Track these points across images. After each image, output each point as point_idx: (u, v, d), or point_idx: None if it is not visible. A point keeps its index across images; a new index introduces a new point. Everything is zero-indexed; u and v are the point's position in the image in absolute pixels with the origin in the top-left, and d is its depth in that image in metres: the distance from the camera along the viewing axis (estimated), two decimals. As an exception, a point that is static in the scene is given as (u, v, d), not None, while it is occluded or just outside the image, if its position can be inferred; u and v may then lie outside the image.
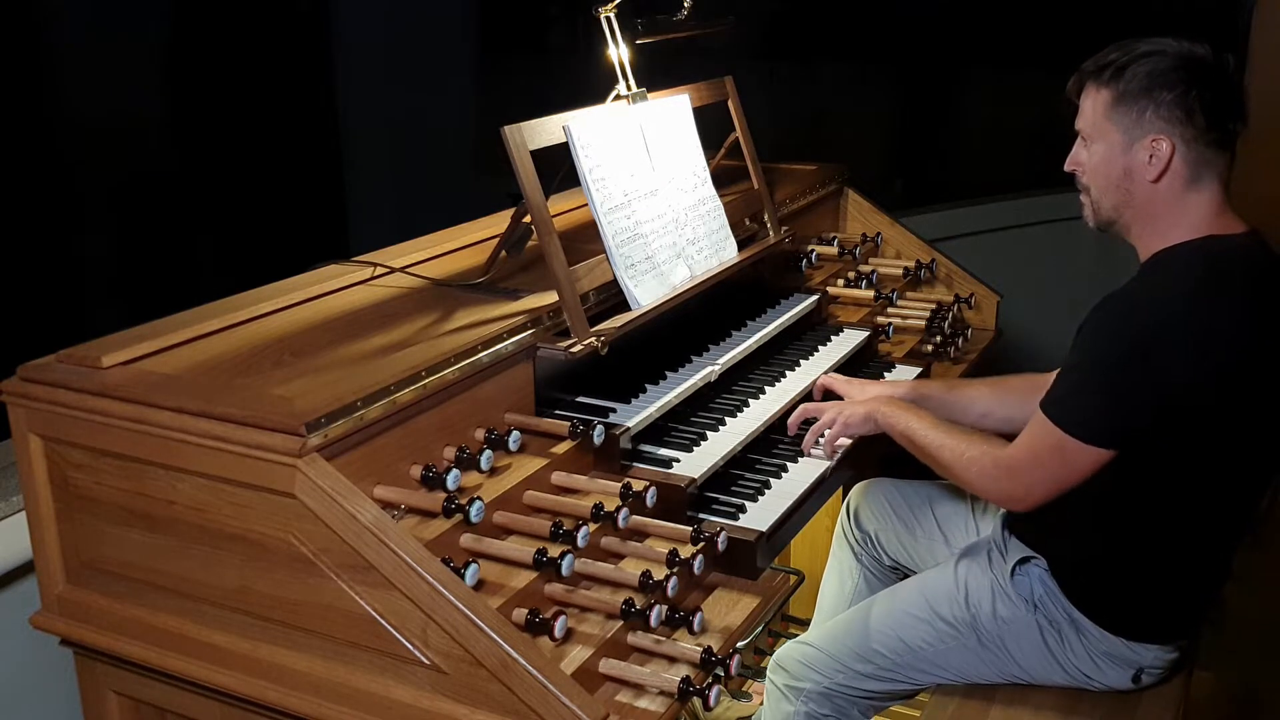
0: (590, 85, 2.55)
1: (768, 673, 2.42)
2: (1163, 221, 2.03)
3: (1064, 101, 2.14)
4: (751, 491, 2.18)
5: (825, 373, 2.64)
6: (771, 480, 2.24)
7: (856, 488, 2.69)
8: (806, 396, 2.57)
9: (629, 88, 2.53)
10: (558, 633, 1.68)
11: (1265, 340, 1.97)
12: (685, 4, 2.80)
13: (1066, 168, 2.15)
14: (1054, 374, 2.09)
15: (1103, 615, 2.13)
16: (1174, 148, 1.98)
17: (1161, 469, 2.01)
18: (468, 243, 2.59)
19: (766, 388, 2.56)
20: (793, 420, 2.40)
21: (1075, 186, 2.15)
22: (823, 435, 2.36)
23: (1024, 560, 2.18)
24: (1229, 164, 2.03)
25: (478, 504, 1.76)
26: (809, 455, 2.36)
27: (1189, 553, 2.11)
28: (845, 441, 2.36)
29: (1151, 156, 1.99)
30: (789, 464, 2.31)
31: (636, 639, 1.77)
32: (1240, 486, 2.08)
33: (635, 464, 2.17)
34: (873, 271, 3.25)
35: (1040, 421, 2.01)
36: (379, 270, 2.36)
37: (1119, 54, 2.04)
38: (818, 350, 2.82)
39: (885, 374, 2.84)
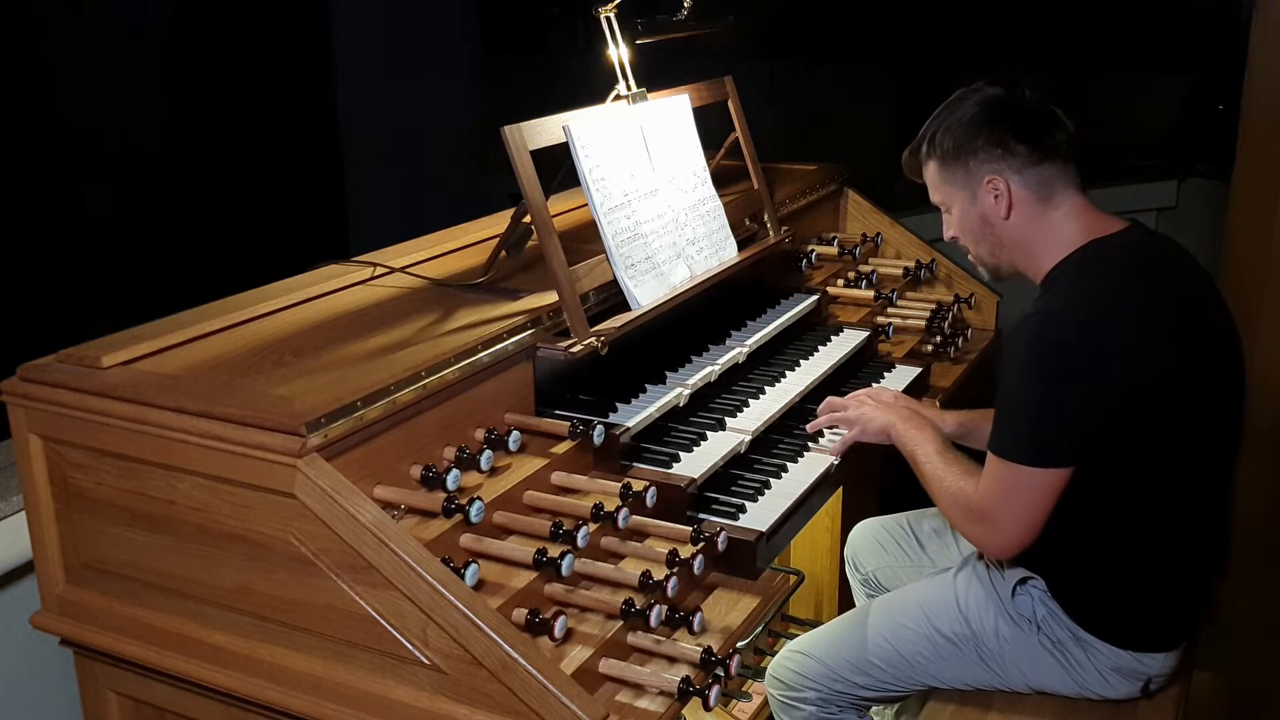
0: (590, 85, 2.55)
1: (766, 686, 2.42)
2: (1037, 246, 2.10)
3: (913, 185, 2.27)
4: (751, 491, 2.18)
5: (830, 370, 2.65)
6: (771, 480, 2.24)
7: (852, 533, 2.73)
8: (807, 396, 2.57)
9: (629, 88, 2.53)
10: (558, 633, 1.68)
11: (1165, 336, 1.98)
12: (685, 4, 2.80)
13: (946, 239, 2.28)
14: None
15: (1108, 630, 2.11)
16: (1008, 181, 2.08)
17: (1130, 472, 2.01)
18: (468, 243, 2.59)
19: (766, 388, 2.56)
20: (815, 424, 2.42)
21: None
22: (836, 430, 2.39)
23: (1023, 581, 2.17)
24: (1076, 170, 2.10)
25: (478, 504, 1.76)
26: (815, 445, 2.38)
27: (1179, 551, 2.11)
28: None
29: (995, 196, 2.09)
30: (789, 464, 2.31)
31: (636, 639, 1.77)
32: (1208, 473, 2.09)
33: (635, 464, 2.17)
34: (873, 271, 3.25)
35: (993, 463, 2.02)
36: (379, 270, 2.37)
37: (927, 126, 2.18)
38: (818, 350, 2.82)
39: (885, 374, 2.84)
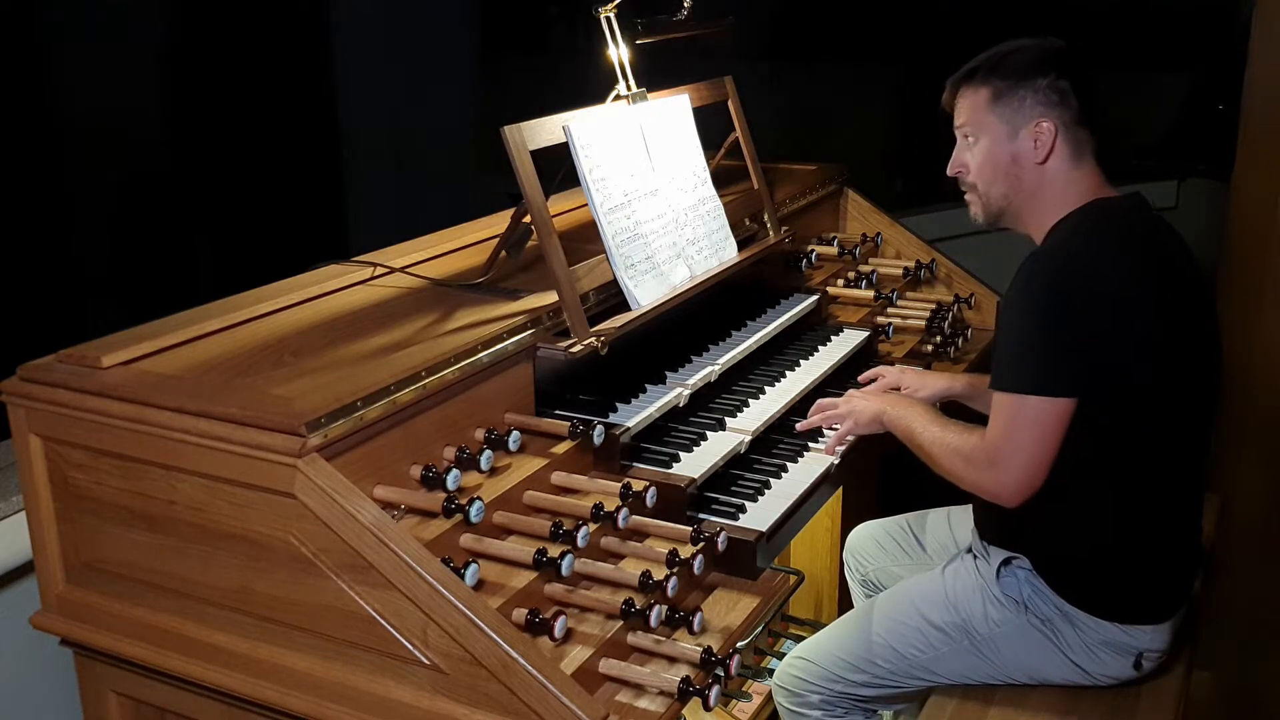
0: (590, 85, 2.55)
1: (774, 695, 2.44)
2: (1051, 201, 2.16)
3: (940, 113, 2.28)
4: (751, 491, 2.18)
5: (830, 370, 2.66)
6: (771, 480, 2.24)
7: (851, 534, 2.75)
8: (807, 396, 2.57)
9: (629, 88, 2.53)
10: (558, 633, 1.68)
11: (1159, 280, 2.06)
12: (685, 4, 2.80)
13: (950, 172, 2.29)
14: None
15: (1092, 603, 2.14)
16: (1056, 129, 2.12)
17: (1109, 431, 2.04)
18: (468, 243, 2.59)
19: (766, 388, 2.56)
20: (808, 423, 2.44)
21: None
22: (833, 428, 2.41)
23: (1006, 562, 2.19)
24: (1097, 144, 2.17)
25: (478, 504, 1.76)
26: (815, 445, 2.39)
27: (1160, 521, 2.14)
28: (850, 439, 2.39)
29: (1036, 141, 2.13)
30: (789, 464, 2.31)
31: (636, 639, 1.77)
32: (1186, 443, 2.13)
33: (635, 464, 2.17)
34: (873, 271, 3.25)
35: (1000, 401, 2.05)
36: (379, 270, 2.37)
37: (987, 54, 2.21)
38: (818, 350, 2.82)
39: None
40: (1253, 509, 3.22)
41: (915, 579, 2.36)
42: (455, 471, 1.81)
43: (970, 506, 2.59)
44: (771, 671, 2.52)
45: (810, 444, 2.40)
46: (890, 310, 3.14)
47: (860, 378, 2.64)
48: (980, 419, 2.31)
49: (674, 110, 2.62)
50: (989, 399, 2.47)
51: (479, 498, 1.77)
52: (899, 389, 2.55)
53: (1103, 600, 2.13)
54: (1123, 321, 1.99)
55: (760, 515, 2.10)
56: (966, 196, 2.27)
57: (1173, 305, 2.06)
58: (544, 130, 2.23)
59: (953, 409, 2.46)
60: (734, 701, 2.83)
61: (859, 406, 2.37)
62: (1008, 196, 2.19)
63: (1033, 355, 2.01)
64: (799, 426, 2.45)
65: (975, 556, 2.26)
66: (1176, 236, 2.17)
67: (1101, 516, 2.11)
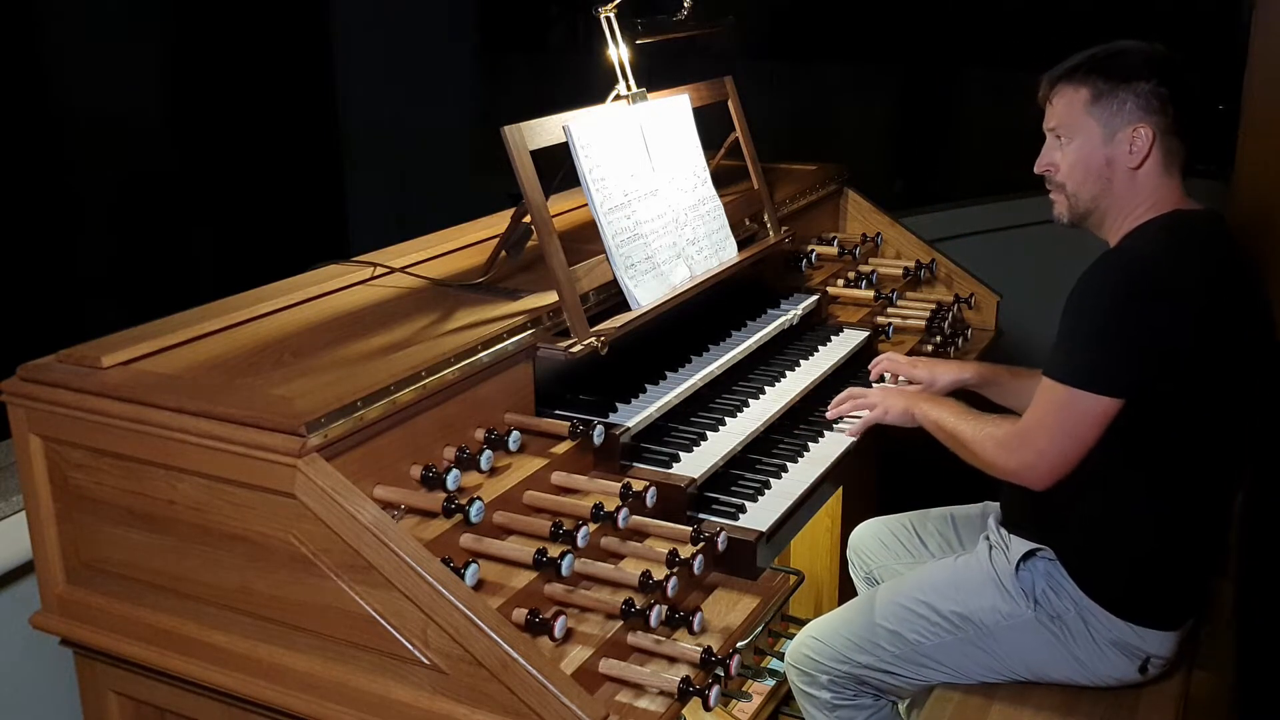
0: (590, 85, 2.55)
1: (787, 673, 2.46)
2: (1135, 207, 2.15)
3: (1035, 108, 2.25)
4: (751, 491, 2.18)
5: (830, 370, 2.67)
6: (771, 480, 2.24)
7: (855, 531, 2.77)
8: (807, 396, 2.58)
9: (629, 88, 2.53)
10: (558, 633, 1.68)
11: (1227, 297, 2.06)
12: (685, 4, 2.80)
13: (1038, 170, 2.25)
14: None
15: (1114, 600, 2.14)
16: (1154, 136, 2.10)
17: (1157, 434, 2.05)
18: (468, 243, 2.59)
19: (766, 388, 2.56)
20: (836, 409, 2.49)
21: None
22: (856, 416, 2.46)
23: (1029, 555, 2.19)
24: (1188, 157, 2.17)
25: (478, 504, 1.76)
26: (826, 435, 2.44)
27: (1194, 526, 2.15)
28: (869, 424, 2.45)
29: (1133, 146, 2.11)
30: (789, 464, 2.31)
31: (636, 639, 1.77)
32: (1225, 455, 2.14)
33: (635, 464, 2.17)
34: (873, 271, 3.25)
35: (1046, 385, 2.07)
36: (379, 270, 2.37)
37: (1089, 54, 2.18)
38: (818, 350, 2.82)
39: (885, 375, 2.83)
40: (1253, 508, 3.21)
41: (926, 566, 2.38)
42: (455, 471, 1.81)
43: (971, 507, 2.60)
44: (772, 671, 2.52)
45: (810, 444, 2.41)
46: (890, 310, 3.14)
47: (870, 365, 2.68)
48: (991, 406, 2.33)
49: (674, 110, 2.62)
50: (1002, 388, 2.51)
51: (479, 498, 1.77)
52: (910, 383, 2.59)
53: (1124, 597, 2.14)
54: (1183, 332, 1.99)
55: (760, 515, 2.10)
56: (1052, 195, 2.25)
57: (1234, 322, 2.06)
58: (544, 130, 2.23)
59: (963, 397, 2.48)
60: (734, 701, 2.83)
61: (891, 399, 2.42)
62: (1096, 199, 2.17)
63: (1090, 351, 2.02)
64: (829, 413, 2.48)
65: (992, 547, 2.27)
66: (1244, 254, 2.18)
67: (1137, 515, 2.12)
